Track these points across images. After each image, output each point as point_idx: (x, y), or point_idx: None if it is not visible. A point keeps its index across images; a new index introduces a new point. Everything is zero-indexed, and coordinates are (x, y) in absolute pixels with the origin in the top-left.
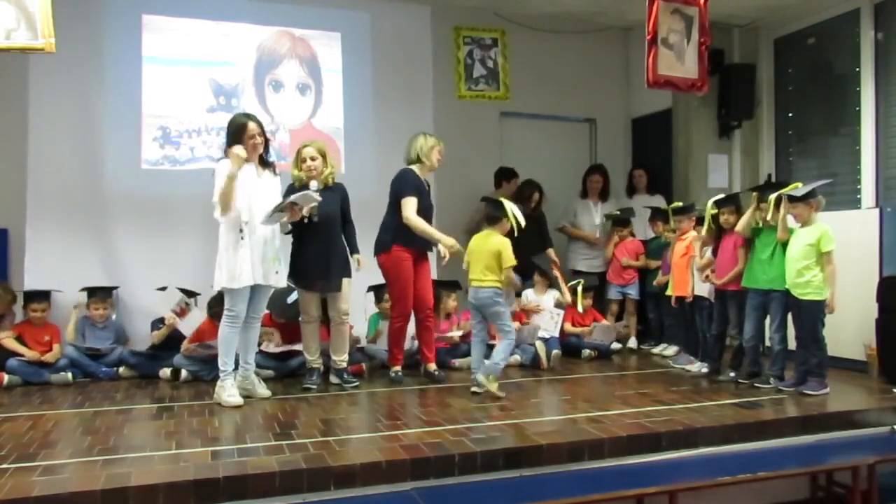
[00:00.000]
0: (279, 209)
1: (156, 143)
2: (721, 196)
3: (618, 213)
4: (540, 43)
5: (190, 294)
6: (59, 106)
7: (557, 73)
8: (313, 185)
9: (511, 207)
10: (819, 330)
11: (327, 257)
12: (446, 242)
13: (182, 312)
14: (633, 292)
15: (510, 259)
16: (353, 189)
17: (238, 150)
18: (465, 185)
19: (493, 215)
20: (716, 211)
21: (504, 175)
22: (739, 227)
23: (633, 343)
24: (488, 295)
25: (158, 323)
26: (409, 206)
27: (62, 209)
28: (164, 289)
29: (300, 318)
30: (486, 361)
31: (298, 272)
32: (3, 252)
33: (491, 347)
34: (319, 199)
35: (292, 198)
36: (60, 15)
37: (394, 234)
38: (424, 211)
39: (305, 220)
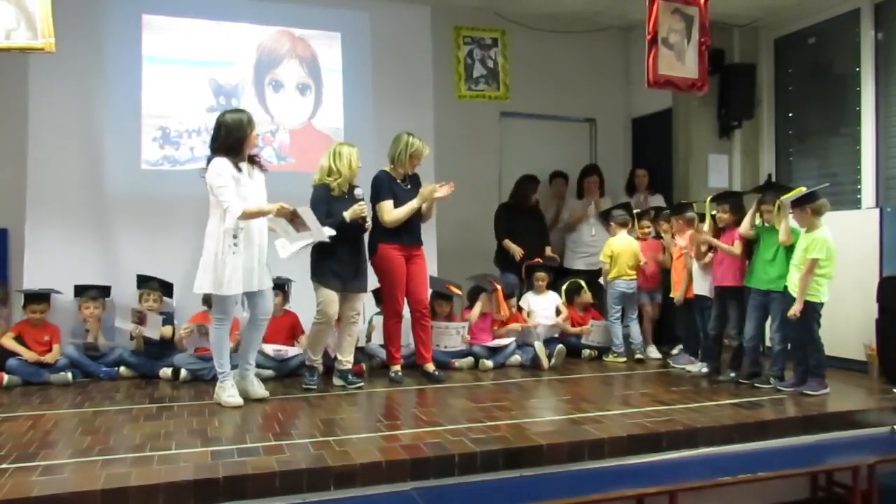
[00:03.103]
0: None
1: (155, 144)
2: (718, 193)
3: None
4: (540, 43)
5: (155, 284)
6: (59, 106)
7: (557, 73)
8: (359, 191)
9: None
10: (815, 330)
11: (358, 258)
12: (424, 192)
13: (141, 321)
14: (647, 298)
15: (643, 257)
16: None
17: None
18: (465, 184)
19: (625, 220)
20: (714, 211)
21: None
22: (742, 229)
23: (653, 352)
24: (634, 285)
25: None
26: (385, 209)
27: (62, 209)
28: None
29: (315, 319)
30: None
31: (331, 273)
32: (3, 252)
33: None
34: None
35: (326, 234)
36: (60, 14)
37: (378, 234)
38: None
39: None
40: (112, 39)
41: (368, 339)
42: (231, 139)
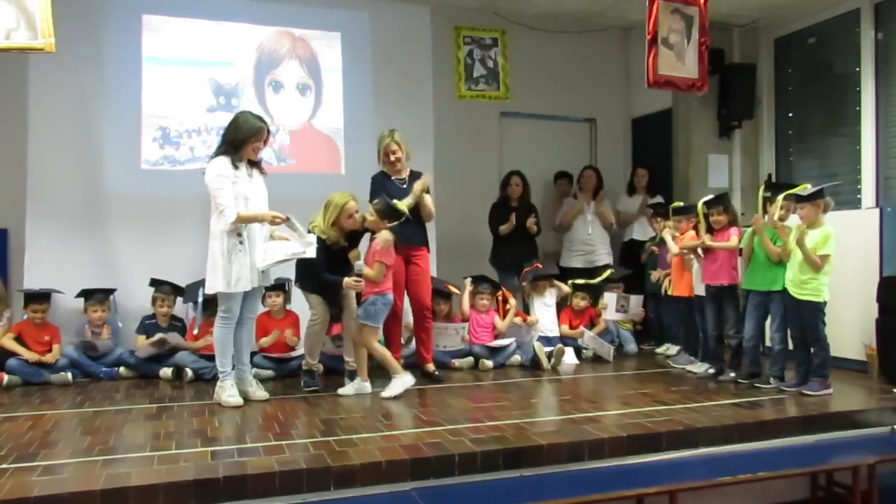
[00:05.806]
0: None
1: (155, 144)
2: (710, 196)
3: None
4: (540, 43)
5: (169, 288)
6: (59, 106)
7: (557, 73)
8: (359, 263)
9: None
10: (821, 329)
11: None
12: (416, 189)
13: (163, 345)
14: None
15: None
16: (352, 190)
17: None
18: (465, 184)
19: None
20: (706, 211)
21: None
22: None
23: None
24: None
25: (146, 320)
26: None
27: (62, 209)
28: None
29: (310, 321)
30: None
31: (311, 284)
32: (3, 252)
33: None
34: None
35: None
36: (60, 15)
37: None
38: None
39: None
40: (112, 40)
41: None
42: (234, 137)
